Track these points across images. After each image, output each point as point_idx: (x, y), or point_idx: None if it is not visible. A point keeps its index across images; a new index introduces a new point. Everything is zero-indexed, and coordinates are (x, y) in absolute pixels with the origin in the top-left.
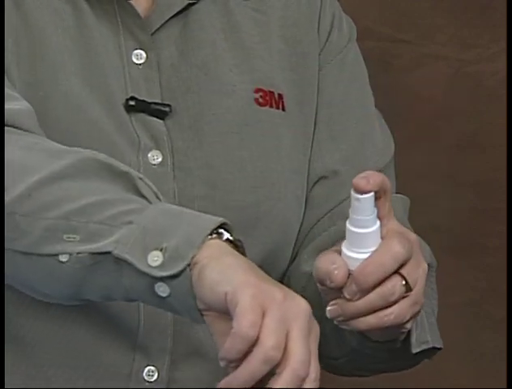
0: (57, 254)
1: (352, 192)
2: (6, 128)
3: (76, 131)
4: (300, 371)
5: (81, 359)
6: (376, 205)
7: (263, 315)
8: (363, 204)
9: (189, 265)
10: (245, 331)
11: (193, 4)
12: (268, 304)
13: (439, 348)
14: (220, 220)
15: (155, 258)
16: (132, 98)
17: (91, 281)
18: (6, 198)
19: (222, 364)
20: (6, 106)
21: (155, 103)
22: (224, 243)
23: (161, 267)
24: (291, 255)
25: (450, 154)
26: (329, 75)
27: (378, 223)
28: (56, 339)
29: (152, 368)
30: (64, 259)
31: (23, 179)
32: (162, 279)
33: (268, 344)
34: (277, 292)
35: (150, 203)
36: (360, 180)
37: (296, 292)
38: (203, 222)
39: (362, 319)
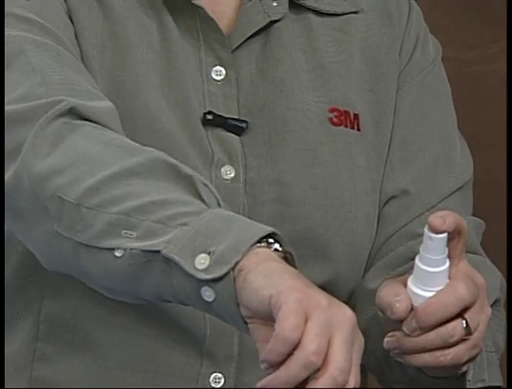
0: (113, 249)
1: (426, 230)
2: (89, 123)
3: (151, 141)
4: (338, 378)
5: (150, 364)
6: (448, 245)
7: (307, 320)
8: (435, 244)
9: (233, 269)
10: (287, 333)
11: (275, 22)
12: (313, 309)
13: (499, 387)
14: (270, 229)
15: (202, 261)
16: (210, 112)
17: (142, 279)
18: (76, 190)
19: (263, 366)
20: (92, 104)
21: (233, 119)
22: (272, 252)
23: (206, 270)
24: (362, 275)
25: None
26: (407, 96)
27: (448, 263)
28: (126, 345)
29: (219, 374)
30: (119, 254)
31: (95, 173)
32: (207, 282)
33: (310, 348)
34: (322, 299)
35: (208, 207)
36: (435, 219)
37: (361, 309)
38: (253, 230)
39: (417, 356)
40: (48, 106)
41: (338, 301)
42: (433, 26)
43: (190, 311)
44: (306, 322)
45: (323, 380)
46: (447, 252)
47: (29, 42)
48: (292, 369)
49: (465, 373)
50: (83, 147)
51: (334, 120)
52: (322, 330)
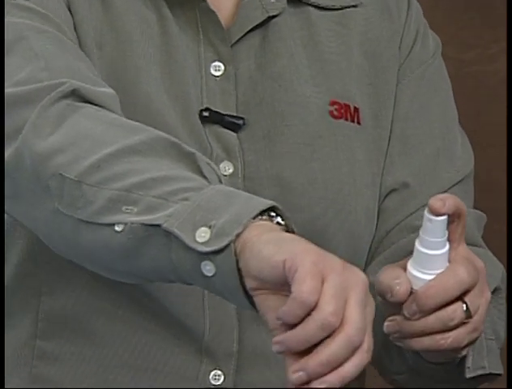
0: (113, 224)
1: (426, 212)
2: (91, 105)
3: None
4: (354, 338)
5: (149, 361)
6: (448, 228)
7: (323, 282)
8: (435, 226)
9: (233, 242)
10: (305, 296)
11: (273, 17)
12: (328, 271)
13: (499, 374)
14: (270, 202)
15: (202, 234)
16: (206, 109)
17: (142, 253)
18: (77, 168)
19: (277, 320)
20: (95, 88)
21: (230, 115)
22: (275, 225)
23: (207, 243)
24: (363, 268)
25: None
26: (406, 89)
27: (448, 246)
28: (125, 342)
29: (219, 372)
30: (119, 229)
31: (96, 151)
32: (207, 255)
33: (328, 309)
34: (336, 262)
35: (210, 183)
36: (435, 201)
37: None
38: (254, 203)
39: (418, 339)
40: (50, 88)
41: (350, 265)
42: (434, 26)
43: (190, 307)
44: (322, 283)
45: (340, 339)
46: (447, 235)
47: (30, 29)
48: (310, 329)
49: (464, 359)
50: (86, 127)
51: (335, 113)
52: (339, 292)
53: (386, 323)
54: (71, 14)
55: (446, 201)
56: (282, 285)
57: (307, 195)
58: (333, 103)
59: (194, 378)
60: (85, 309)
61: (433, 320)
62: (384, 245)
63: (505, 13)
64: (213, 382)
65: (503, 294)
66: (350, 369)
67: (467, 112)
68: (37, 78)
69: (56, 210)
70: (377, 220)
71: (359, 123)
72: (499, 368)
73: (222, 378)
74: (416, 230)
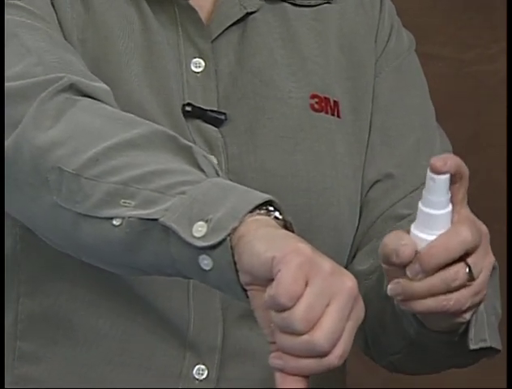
0: (111, 218)
1: (428, 172)
2: (88, 99)
3: None
4: (317, 346)
5: (133, 357)
6: (451, 190)
7: (307, 284)
8: (437, 185)
9: (229, 236)
10: (282, 301)
11: (251, 13)
12: (313, 275)
13: (498, 350)
14: (267, 196)
15: (199, 229)
16: (189, 104)
17: (140, 247)
18: (76, 161)
19: (264, 320)
20: (92, 83)
21: (211, 110)
22: (272, 220)
23: (204, 237)
24: (347, 260)
25: None
26: (384, 82)
27: (450, 207)
28: (109, 338)
29: (202, 366)
30: (117, 223)
31: (95, 144)
32: (204, 250)
33: (298, 316)
34: (326, 265)
35: (207, 176)
36: (437, 160)
37: None
38: (250, 197)
39: (421, 301)
40: (47, 83)
41: (342, 270)
42: (433, 26)
43: (175, 302)
44: (306, 285)
45: (300, 342)
46: (449, 196)
47: (21, 26)
48: (279, 336)
49: (466, 332)
50: (85, 121)
51: (316, 106)
52: (318, 298)
53: (389, 286)
54: (55, 11)
55: (448, 160)
56: (272, 281)
57: (291, 188)
58: (313, 96)
59: (178, 373)
60: (66, 307)
61: (435, 281)
62: (370, 236)
63: (505, 13)
64: (197, 376)
65: (496, 273)
66: (308, 364)
67: (466, 112)
68: (31, 73)
69: (55, 203)
70: (362, 212)
71: (339, 116)
72: (499, 343)
73: (206, 372)
74: (401, 219)
